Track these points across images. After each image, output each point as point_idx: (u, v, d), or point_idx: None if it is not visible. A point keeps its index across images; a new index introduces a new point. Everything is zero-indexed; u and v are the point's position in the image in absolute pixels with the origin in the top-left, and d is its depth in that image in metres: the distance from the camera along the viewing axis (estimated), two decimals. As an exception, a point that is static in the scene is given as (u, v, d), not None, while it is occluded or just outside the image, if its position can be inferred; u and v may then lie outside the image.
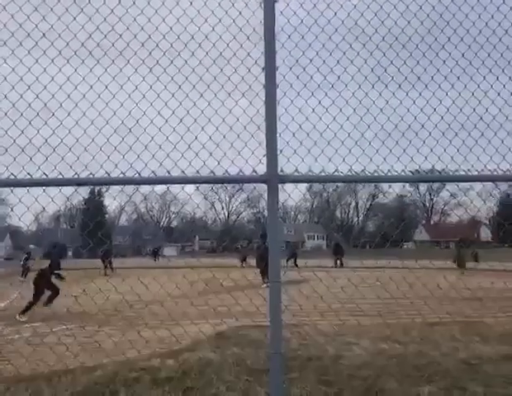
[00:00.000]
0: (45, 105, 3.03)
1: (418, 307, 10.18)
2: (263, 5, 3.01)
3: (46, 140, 2.99)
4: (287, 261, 28.96)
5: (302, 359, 6.19)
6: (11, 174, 2.91)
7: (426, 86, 3.34)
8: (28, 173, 2.93)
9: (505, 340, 7.26)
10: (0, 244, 53.75)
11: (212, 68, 3.12)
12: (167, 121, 3.12)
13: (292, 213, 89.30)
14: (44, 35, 3.05)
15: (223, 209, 78.66)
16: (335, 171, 2.90)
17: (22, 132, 3.01)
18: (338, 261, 30.23)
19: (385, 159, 3.19)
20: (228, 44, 3.15)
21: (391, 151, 3.23)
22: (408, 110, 3.37)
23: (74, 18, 3.09)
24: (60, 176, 2.92)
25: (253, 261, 19.48)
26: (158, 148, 3.04)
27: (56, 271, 11.81)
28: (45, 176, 2.92)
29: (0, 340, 8.05)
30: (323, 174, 2.86)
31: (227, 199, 74.28)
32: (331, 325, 8.18)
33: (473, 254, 29.64)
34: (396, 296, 10.38)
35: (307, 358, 6.27)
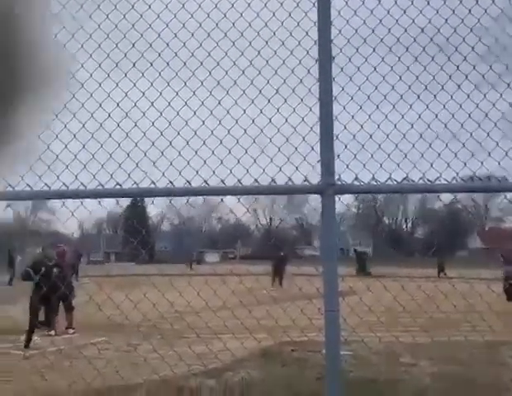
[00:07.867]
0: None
1: (473, 323, 9.26)
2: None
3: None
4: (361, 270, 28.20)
5: (355, 382, 5.59)
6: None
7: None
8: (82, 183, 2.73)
9: None
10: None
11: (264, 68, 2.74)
12: (213, 132, 2.74)
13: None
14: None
15: (264, 215, 77.86)
16: (404, 179, 2.42)
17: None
18: None
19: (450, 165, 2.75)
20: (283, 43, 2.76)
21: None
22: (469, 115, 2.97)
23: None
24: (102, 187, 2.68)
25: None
26: (195, 154, 2.65)
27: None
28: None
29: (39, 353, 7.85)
30: (391, 183, 2.39)
31: (269, 204, 73.40)
32: (383, 342, 7.47)
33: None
34: (447, 310, 9.54)
35: (360, 381, 5.69)
